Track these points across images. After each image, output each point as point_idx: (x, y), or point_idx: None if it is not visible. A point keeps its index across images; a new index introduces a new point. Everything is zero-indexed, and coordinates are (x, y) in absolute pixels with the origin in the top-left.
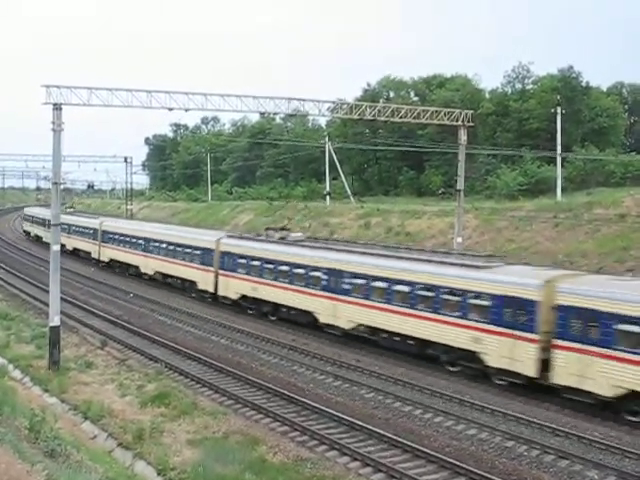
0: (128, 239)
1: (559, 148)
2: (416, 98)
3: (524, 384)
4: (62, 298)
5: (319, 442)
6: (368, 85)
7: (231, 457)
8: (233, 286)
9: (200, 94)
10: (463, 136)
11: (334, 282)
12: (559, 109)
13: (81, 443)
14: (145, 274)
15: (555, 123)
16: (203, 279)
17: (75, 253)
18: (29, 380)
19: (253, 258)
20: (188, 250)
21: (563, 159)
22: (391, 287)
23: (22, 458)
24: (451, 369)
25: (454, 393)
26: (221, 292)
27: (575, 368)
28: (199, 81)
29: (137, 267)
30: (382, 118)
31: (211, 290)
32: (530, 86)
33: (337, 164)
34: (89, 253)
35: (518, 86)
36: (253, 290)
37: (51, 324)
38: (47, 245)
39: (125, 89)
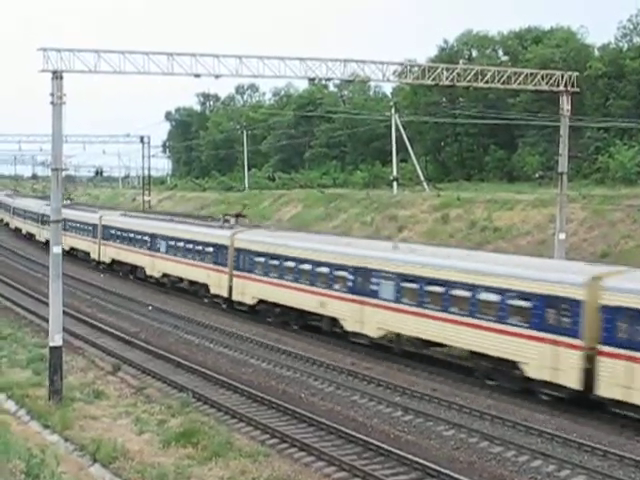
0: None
1: None
2: (506, 58)
3: None
4: (65, 312)
5: None
6: (445, 42)
7: None
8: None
9: (234, 56)
10: (566, 105)
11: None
12: None
13: None
14: (362, 336)
15: None
16: (37, 232)
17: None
18: (25, 413)
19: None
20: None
21: None
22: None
23: None
24: None
25: (556, 430)
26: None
27: None
28: (231, 42)
29: (336, 321)
30: (463, 83)
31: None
32: None
33: (406, 142)
34: (205, 286)
35: (637, 40)
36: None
37: (51, 344)
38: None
39: (141, 52)
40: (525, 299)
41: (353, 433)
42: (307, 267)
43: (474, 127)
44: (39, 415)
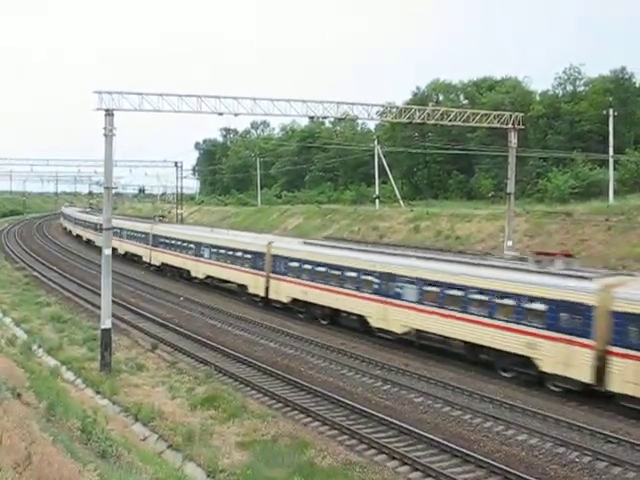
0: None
1: (611, 150)
2: (466, 101)
3: None
4: (113, 301)
5: (368, 446)
6: (417, 88)
7: (280, 460)
8: None
9: (249, 98)
10: (513, 139)
11: None
12: (611, 111)
13: (132, 444)
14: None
15: (607, 125)
16: (72, 228)
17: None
18: (81, 382)
19: None
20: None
21: (615, 161)
22: None
23: (74, 458)
24: None
25: (504, 398)
26: (73, 233)
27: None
28: (248, 86)
29: (188, 271)
30: (431, 121)
31: None
32: (582, 88)
33: (386, 168)
34: (140, 256)
35: (569, 88)
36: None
37: (103, 327)
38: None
39: (175, 94)
40: (248, 253)
41: (342, 399)
42: (174, 242)
43: (440, 156)
44: (92, 383)
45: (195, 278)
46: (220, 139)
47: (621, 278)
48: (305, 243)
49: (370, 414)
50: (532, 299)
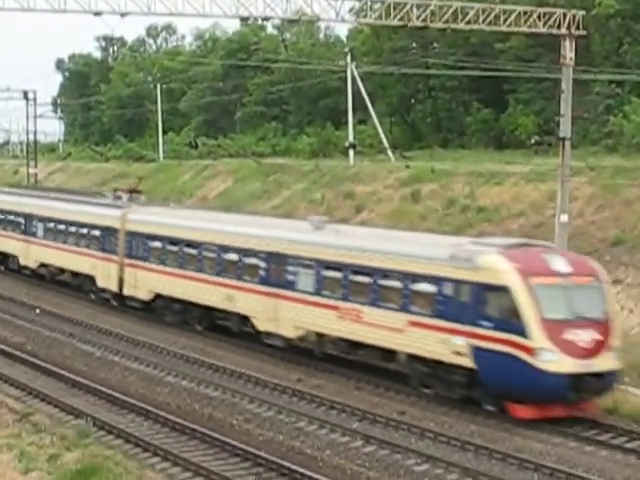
0: None
1: None
2: None
3: None
4: None
5: None
6: None
7: None
8: None
9: None
10: (569, 52)
11: None
12: None
13: None
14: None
15: None
16: None
17: None
18: None
19: None
20: None
21: None
22: None
23: None
24: None
25: (557, 463)
26: None
27: None
28: None
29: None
30: (438, 25)
31: None
32: None
33: (366, 99)
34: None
35: None
36: None
37: None
38: None
39: None
40: (77, 226)
41: (299, 469)
42: (51, 224)
43: (452, 80)
44: None
45: None
46: (97, 54)
47: (151, 207)
48: None
49: None
50: (93, 227)
